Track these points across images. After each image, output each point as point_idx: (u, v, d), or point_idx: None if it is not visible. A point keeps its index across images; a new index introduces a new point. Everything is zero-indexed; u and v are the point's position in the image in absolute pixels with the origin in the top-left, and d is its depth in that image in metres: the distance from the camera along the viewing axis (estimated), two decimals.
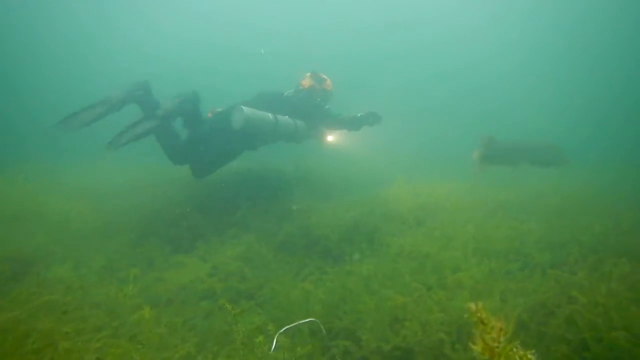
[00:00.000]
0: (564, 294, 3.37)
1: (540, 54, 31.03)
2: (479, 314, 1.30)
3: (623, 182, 9.05)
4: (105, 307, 3.59)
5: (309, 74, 7.19)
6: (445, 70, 33.09)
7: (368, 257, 4.80)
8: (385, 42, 32.97)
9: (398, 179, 7.23)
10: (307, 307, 3.76)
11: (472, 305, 1.33)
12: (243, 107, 5.85)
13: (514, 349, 1.27)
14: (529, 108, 27.68)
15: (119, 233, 5.87)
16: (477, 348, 1.31)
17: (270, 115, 6.12)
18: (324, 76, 7.24)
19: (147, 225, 6.08)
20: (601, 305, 2.91)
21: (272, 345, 2.66)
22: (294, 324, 3.04)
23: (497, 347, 1.27)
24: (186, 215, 6.28)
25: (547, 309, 3.31)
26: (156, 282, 4.44)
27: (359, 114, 6.96)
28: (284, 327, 2.90)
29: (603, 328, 2.73)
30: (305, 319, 3.26)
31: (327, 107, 7.27)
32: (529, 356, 1.26)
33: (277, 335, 2.78)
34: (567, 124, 23.12)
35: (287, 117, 6.44)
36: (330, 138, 7.19)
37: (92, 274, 4.59)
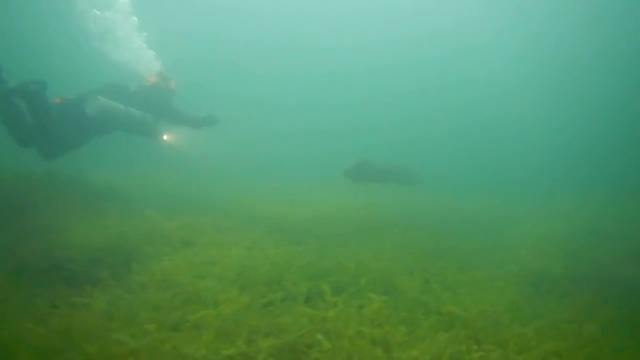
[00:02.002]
0: (317, 331, 3.03)
1: None
2: None
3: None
4: None
5: (154, 72, 7.64)
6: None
7: (111, 288, 3.92)
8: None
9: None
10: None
11: None
12: (99, 96, 6.36)
13: None
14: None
15: None
16: None
17: (122, 106, 6.60)
18: (169, 76, 7.68)
19: None
20: (345, 350, 2.59)
21: None
22: None
23: None
24: None
25: (295, 354, 2.91)
26: None
27: (201, 115, 7.58)
28: None
29: None
30: None
31: (171, 103, 7.65)
32: None
33: None
34: None
35: (135, 110, 6.83)
36: (165, 137, 7.53)
37: None
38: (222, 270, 4.07)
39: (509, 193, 14.46)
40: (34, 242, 4.94)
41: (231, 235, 5.37)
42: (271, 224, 6.82)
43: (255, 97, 32.00)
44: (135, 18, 8.46)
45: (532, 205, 11.41)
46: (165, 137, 7.52)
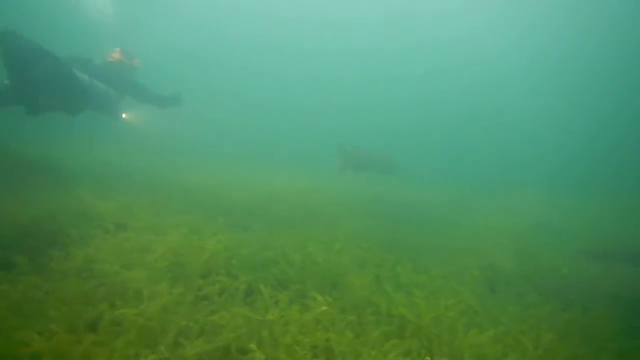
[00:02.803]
0: (254, 334, 2.68)
1: None
2: None
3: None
4: None
5: (118, 49, 7.37)
6: None
7: (27, 275, 3.43)
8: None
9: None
10: None
11: None
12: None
13: None
14: None
15: None
16: None
17: (86, 77, 6.41)
18: (134, 54, 7.49)
19: None
20: None
21: None
22: None
23: None
24: None
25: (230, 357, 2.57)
26: None
27: (165, 94, 7.40)
28: None
29: None
30: None
31: (135, 80, 7.46)
32: None
33: None
34: None
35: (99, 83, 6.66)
36: (124, 115, 7.37)
37: None
38: (154, 259, 3.63)
39: (480, 186, 14.69)
40: None
41: (171, 219, 4.92)
42: (218, 207, 6.40)
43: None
44: None
45: (496, 199, 11.50)
46: (124, 115, 7.38)
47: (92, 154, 10.41)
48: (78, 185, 6.23)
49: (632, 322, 4.00)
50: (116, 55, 7.35)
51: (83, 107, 6.64)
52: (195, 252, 3.79)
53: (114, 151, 11.52)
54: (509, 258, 5.81)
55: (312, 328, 2.57)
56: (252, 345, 2.29)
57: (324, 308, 2.65)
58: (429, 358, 2.34)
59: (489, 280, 4.45)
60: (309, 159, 18.72)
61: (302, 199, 8.45)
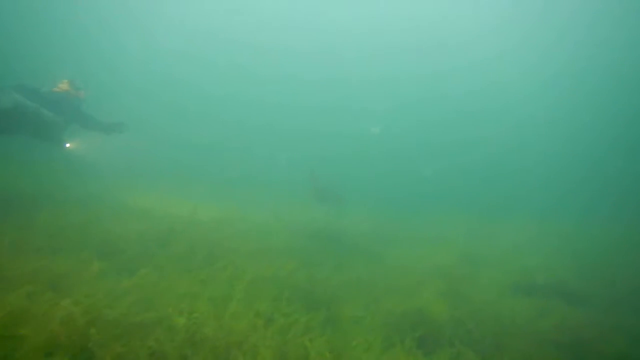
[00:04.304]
0: None
1: None
2: None
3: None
4: None
5: (66, 81, 7.53)
6: None
7: None
8: None
9: None
10: None
11: None
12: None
13: None
14: None
15: None
16: None
17: (33, 104, 6.54)
18: (80, 85, 7.63)
19: None
20: None
21: None
22: None
23: None
24: None
25: None
26: None
27: (111, 121, 7.53)
28: None
29: None
30: None
31: (81, 110, 7.60)
32: None
33: None
34: None
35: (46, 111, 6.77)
36: (68, 145, 7.45)
37: None
38: None
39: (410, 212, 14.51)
40: None
41: (36, 262, 3.85)
42: (107, 244, 5.35)
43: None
44: None
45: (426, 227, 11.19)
46: (68, 145, 7.51)
47: None
48: None
49: None
50: (63, 85, 7.56)
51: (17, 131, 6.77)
52: (39, 322, 2.81)
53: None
54: (439, 298, 5.23)
55: None
56: None
57: None
58: None
59: (419, 337, 3.77)
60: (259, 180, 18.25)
61: (219, 230, 7.53)
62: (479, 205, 16.29)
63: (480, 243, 9.34)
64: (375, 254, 7.63)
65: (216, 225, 7.92)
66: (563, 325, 4.81)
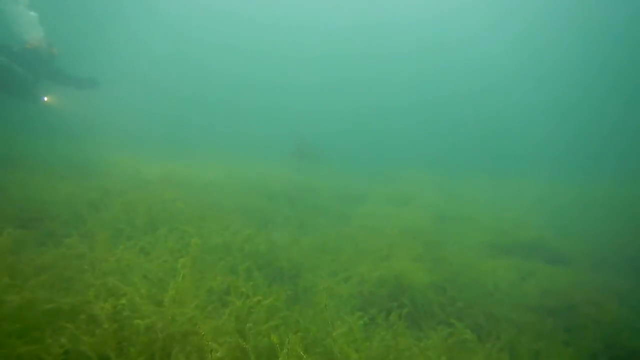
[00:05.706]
0: None
1: None
2: None
3: None
4: None
5: (39, 37, 7.73)
6: None
7: None
8: None
9: None
10: None
11: None
12: None
13: None
14: None
15: None
16: None
17: (4, 59, 6.96)
18: (52, 43, 7.78)
19: None
20: None
21: None
22: None
23: None
24: None
25: None
26: None
27: (83, 76, 7.89)
28: None
29: None
30: None
31: (53, 66, 7.78)
32: None
33: None
34: None
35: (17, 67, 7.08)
36: (46, 99, 7.66)
37: None
38: None
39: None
40: None
41: None
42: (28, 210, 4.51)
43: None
44: None
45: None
46: (45, 99, 7.70)
47: None
48: None
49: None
50: (35, 42, 7.68)
51: None
52: None
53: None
54: (415, 263, 4.72)
55: None
56: None
57: None
58: None
59: (401, 306, 3.23)
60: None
61: (168, 191, 6.73)
62: (455, 164, 16.10)
63: (455, 202, 8.96)
64: (343, 215, 7.08)
65: (164, 186, 7.11)
66: (550, 288, 4.42)
